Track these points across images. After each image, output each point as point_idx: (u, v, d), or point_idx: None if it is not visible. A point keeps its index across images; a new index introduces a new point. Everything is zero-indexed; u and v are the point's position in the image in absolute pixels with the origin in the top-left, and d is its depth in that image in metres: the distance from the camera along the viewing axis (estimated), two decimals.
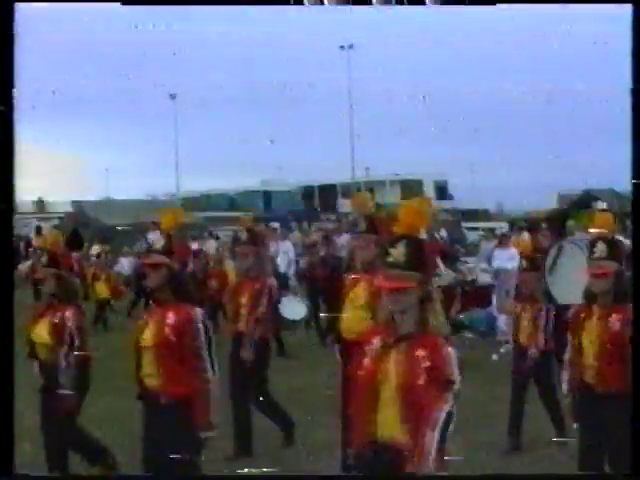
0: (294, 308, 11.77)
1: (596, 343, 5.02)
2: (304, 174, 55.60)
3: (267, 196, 60.51)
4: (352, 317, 6.07)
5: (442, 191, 56.15)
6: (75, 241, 25.52)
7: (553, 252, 9.59)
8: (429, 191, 54.60)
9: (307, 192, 57.60)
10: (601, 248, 5.13)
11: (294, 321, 11.73)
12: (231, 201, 62.72)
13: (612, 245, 5.23)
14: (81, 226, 26.98)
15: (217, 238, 23.90)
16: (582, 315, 5.17)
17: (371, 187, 54.80)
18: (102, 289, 17.27)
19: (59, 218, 31.60)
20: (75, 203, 29.73)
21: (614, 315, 5.02)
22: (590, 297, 5.16)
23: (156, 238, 5.03)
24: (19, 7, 3.15)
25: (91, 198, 36.22)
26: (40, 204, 42.40)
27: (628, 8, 3.90)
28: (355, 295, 6.12)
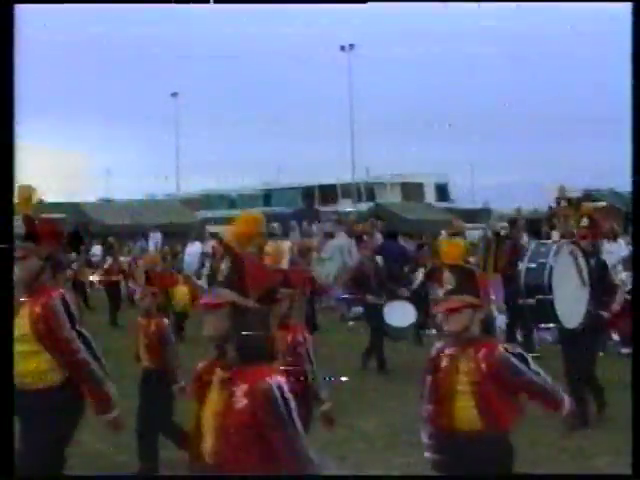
0: (400, 313, 10.52)
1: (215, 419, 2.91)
2: (304, 174, 55.56)
3: (267, 196, 60.57)
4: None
5: (442, 191, 56.17)
6: (75, 241, 25.48)
7: (551, 259, 7.38)
8: (429, 191, 54.68)
9: (307, 192, 57.58)
10: None
11: (403, 328, 10.59)
12: (231, 201, 62.78)
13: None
14: (81, 226, 26.93)
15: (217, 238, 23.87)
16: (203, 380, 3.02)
17: (371, 187, 54.87)
18: (183, 295, 14.08)
19: (59, 218, 31.54)
20: (75, 203, 29.69)
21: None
22: None
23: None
24: (19, 8, 3.15)
25: (91, 198, 36.21)
26: (40, 204, 42.29)
27: (628, 7, 3.90)
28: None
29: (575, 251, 7.50)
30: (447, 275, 3.98)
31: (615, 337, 11.08)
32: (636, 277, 5.05)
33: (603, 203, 20.46)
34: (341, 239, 18.81)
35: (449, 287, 3.97)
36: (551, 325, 7.60)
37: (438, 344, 4.10)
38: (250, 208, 52.81)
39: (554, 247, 7.50)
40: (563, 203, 9.19)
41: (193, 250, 21.91)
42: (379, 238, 16.91)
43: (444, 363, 3.97)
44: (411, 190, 53.65)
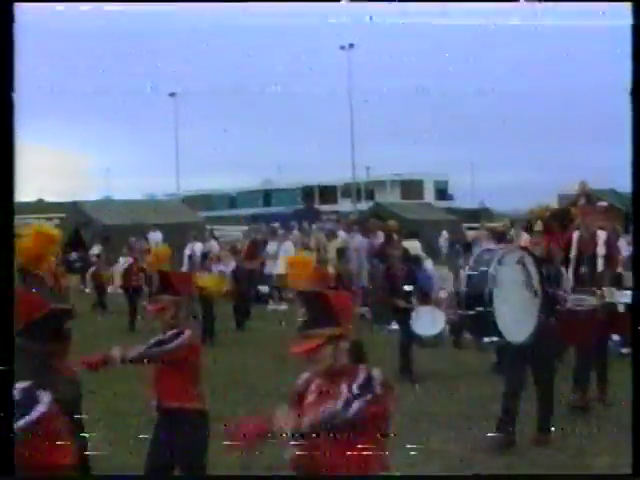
0: (429, 320, 9.93)
1: None
2: (304, 174, 55.62)
3: (267, 196, 60.65)
4: None
5: (442, 191, 56.26)
6: (76, 241, 25.48)
7: (493, 267, 6.45)
8: (429, 191, 54.76)
9: (307, 192, 57.69)
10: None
11: (433, 336, 9.90)
12: (231, 201, 62.88)
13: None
14: (81, 226, 26.92)
15: (217, 238, 23.89)
16: None
17: (371, 187, 54.96)
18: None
19: (59, 218, 31.56)
20: (75, 203, 29.68)
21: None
22: None
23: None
24: (19, 7, 3.14)
25: (91, 198, 36.24)
26: (40, 204, 42.39)
27: (628, 7, 3.89)
28: None
29: (525, 259, 6.69)
30: (299, 304, 3.44)
31: (615, 337, 11.07)
32: (636, 277, 5.05)
33: (604, 203, 20.46)
34: (342, 239, 18.79)
35: (302, 319, 3.35)
36: (494, 339, 6.62)
37: (305, 374, 3.48)
38: (250, 208, 52.92)
39: (498, 254, 6.64)
40: (582, 200, 8.33)
41: (193, 250, 21.90)
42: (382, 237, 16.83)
43: (309, 398, 3.37)
44: (411, 189, 53.78)
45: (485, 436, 6.76)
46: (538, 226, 7.11)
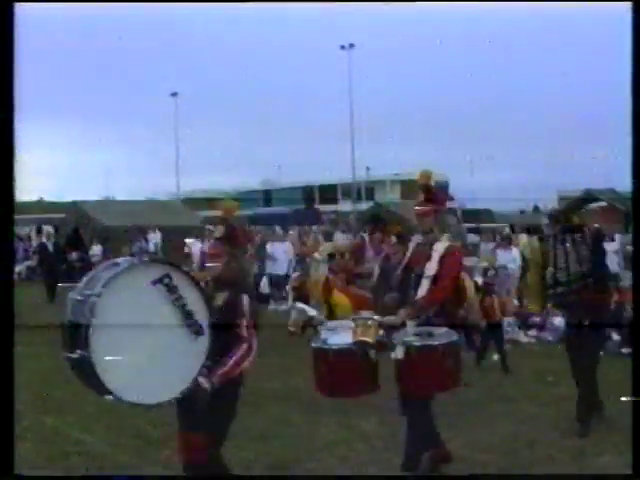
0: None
1: None
2: (304, 174, 55.69)
3: (267, 196, 60.70)
4: None
5: (442, 191, 56.26)
6: (75, 241, 25.51)
7: (97, 290, 4.29)
8: None
9: (307, 192, 57.71)
10: None
11: None
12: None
13: None
14: (81, 226, 26.92)
15: None
16: None
17: (371, 186, 54.97)
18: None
19: (59, 218, 31.56)
20: (75, 203, 29.66)
21: None
22: None
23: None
24: (19, 8, 3.15)
25: (91, 198, 36.22)
26: (40, 204, 42.43)
27: (628, 7, 3.90)
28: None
29: (173, 279, 4.43)
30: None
31: (615, 337, 11.08)
32: (636, 277, 5.06)
33: (603, 203, 20.49)
34: (340, 240, 18.78)
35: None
36: (109, 397, 4.25)
37: None
38: (250, 207, 52.98)
39: (113, 271, 4.35)
40: (420, 197, 6.06)
41: (194, 250, 21.92)
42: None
43: None
44: (411, 189, 53.76)
45: None
46: (218, 232, 4.91)
